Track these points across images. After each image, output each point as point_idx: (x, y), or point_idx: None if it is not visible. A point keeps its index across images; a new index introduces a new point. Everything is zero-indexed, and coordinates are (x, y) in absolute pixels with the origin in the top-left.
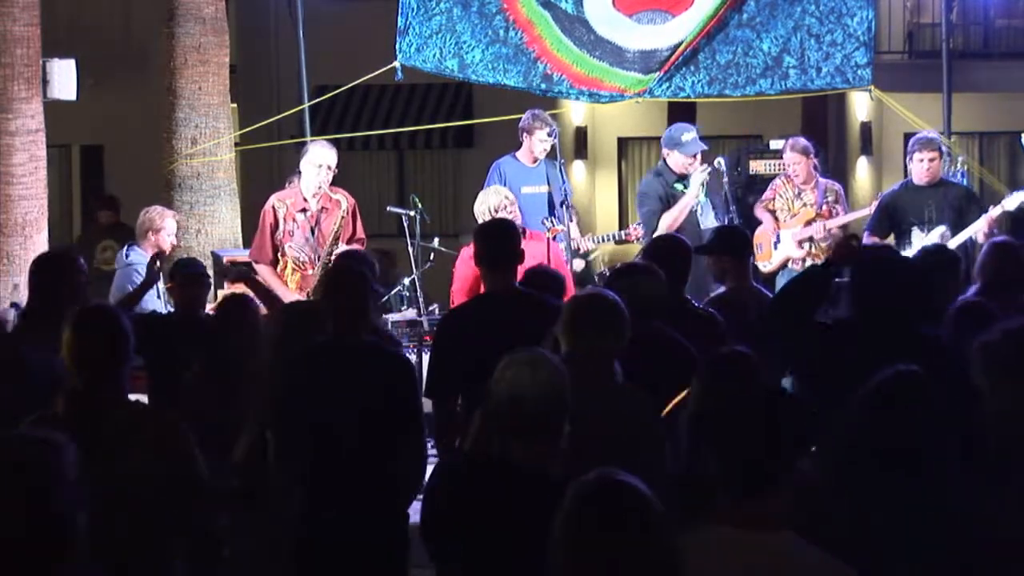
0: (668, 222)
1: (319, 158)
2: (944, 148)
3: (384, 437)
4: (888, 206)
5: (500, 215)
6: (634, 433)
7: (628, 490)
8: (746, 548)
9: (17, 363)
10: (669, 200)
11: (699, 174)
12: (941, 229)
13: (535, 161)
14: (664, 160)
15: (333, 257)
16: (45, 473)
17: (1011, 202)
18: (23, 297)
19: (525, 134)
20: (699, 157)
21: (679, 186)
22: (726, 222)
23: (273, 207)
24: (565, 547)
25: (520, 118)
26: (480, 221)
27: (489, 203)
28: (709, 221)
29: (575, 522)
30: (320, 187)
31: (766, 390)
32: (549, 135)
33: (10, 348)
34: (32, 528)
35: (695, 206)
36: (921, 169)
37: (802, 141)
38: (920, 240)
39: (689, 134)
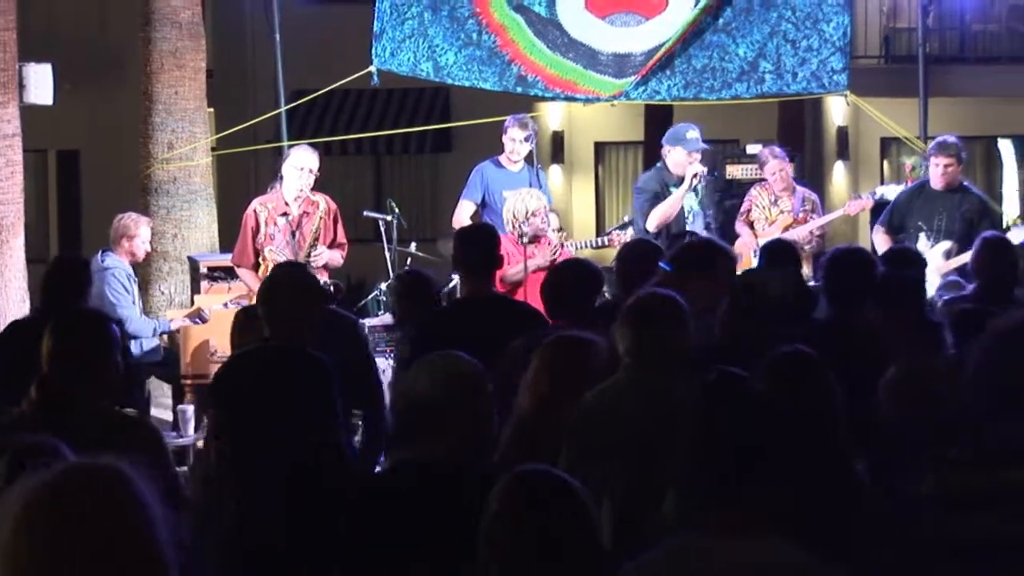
0: (659, 216)
1: (301, 161)
2: (964, 154)
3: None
4: (901, 205)
5: (532, 220)
6: None
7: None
8: (731, 555)
9: None
10: (663, 199)
11: (696, 166)
12: (946, 245)
13: (516, 164)
14: (663, 159)
15: (312, 259)
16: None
17: (1016, 235)
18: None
19: (503, 135)
20: (698, 156)
21: (673, 189)
22: (704, 227)
23: (255, 211)
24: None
25: (498, 121)
26: (510, 222)
27: (529, 206)
28: (698, 228)
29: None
30: (302, 191)
31: (745, 395)
32: (526, 139)
33: None
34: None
35: (687, 213)
36: (936, 174)
37: (778, 148)
38: (925, 248)
39: (693, 132)
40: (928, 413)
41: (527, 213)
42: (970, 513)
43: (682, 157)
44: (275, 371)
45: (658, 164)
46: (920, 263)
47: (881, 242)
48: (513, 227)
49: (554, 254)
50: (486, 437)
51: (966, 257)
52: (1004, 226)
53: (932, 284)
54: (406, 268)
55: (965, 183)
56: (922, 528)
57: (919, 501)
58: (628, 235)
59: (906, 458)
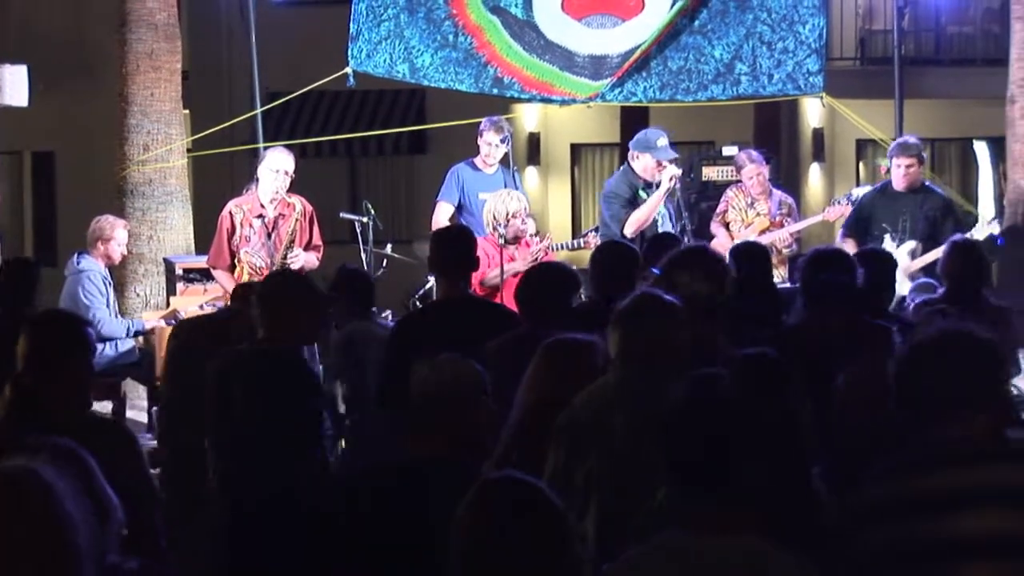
0: (637, 222)
1: (277, 163)
2: (924, 154)
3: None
4: (864, 208)
5: (512, 222)
6: None
7: (528, 483)
8: (717, 552)
9: None
10: (635, 204)
11: (671, 168)
12: (911, 245)
13: (491, 167)
14: (629, 163)
15: (288, 261)
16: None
17: (980, 232)
18: None
19: (478, 138)
20: (665, 164)
21: (643, 194)
22: (678, 230)
23: (230, 212)
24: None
25: (473, 123)
26: (489, 223)
27: (509, 208)
28: (667, 229)
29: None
30: (277, 192)
31: (718, 394)
32: (502, 142)
33: None
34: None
35: (658, 215)
36: (899, 175)
37: (755, 152)
38: (891, 249)
39: (663, 139)
40: (875, 417)
41: (507, 215)
42: (914, 517)
43: (651, 162)
44: (268, 373)
45: (623, 167)
46: (892, 262)
47: (850, 249)
48: (493, 228)
49: (535, 259)
50: (483, 437)
51: (931, 256)
52: (973, 224)
53: (899, 284)
54: (344, 265)
55: (927, 183)
56: (872, 532)
57: (869, 505)
58: None
59: (857, 462)
